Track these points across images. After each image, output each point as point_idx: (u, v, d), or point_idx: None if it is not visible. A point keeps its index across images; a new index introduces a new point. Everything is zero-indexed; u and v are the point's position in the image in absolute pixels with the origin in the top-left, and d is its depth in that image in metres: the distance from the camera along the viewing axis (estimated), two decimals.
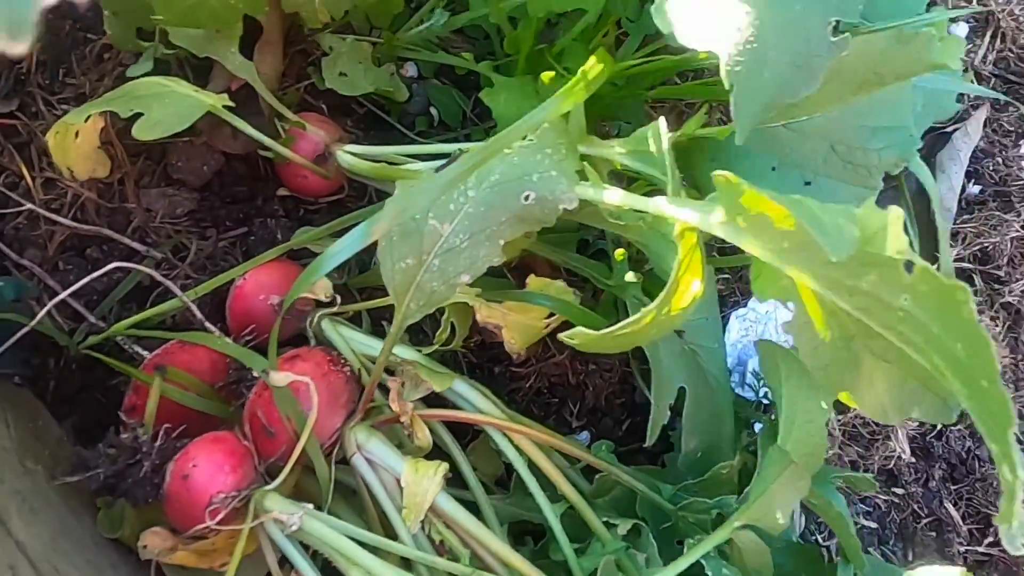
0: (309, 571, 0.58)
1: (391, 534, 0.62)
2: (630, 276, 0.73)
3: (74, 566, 0.52)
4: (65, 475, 0.55)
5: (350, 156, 0.73)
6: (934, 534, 1.00)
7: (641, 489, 0.71)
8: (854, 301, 0.49)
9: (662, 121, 0.57)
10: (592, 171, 0.59)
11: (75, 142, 0.69)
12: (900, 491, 1.01)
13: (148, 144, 0.75)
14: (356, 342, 0.70)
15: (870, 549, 1.00)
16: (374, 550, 0.60)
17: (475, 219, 0.58)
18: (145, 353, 0.68)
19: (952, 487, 1.02)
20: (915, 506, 1.01)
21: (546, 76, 0.69)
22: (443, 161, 0.63)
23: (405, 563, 0.61)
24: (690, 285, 0.60)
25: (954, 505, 1.01)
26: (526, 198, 0.58)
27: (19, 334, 0.61)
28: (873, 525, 1.00)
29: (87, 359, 0.69)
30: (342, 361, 0.64)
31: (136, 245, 0.71)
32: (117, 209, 0.72)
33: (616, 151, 0.63)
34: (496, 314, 0.68)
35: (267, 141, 0.69)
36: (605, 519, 0.70)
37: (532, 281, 0.68)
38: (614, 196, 0.57)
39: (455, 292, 0.59)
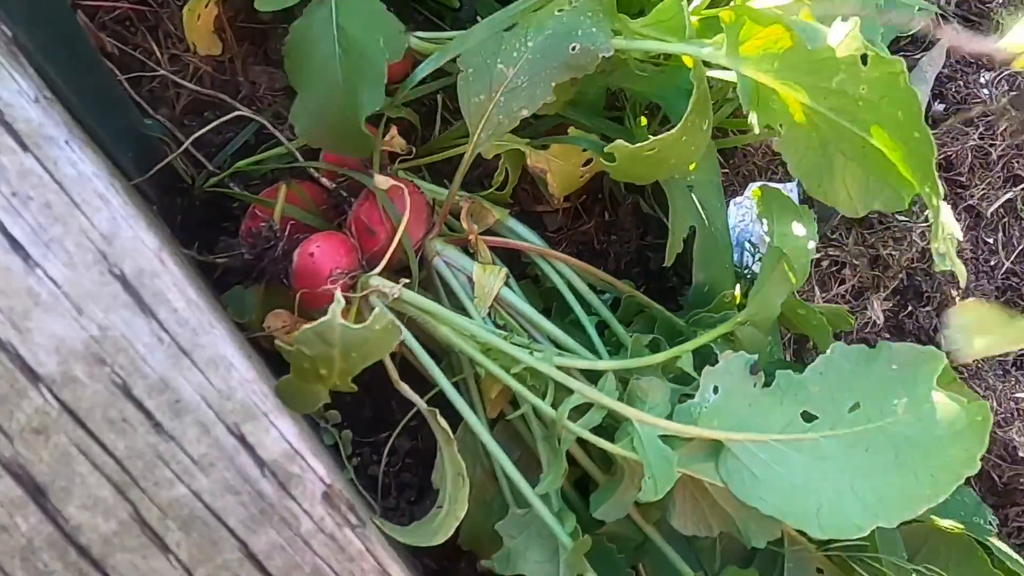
0: (408, 334, 0.73)
1: None
2: None
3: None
4: (214, 255, 0.71)
5: (417, 39, 0.89)
6: None
7: (659, 309, 0.87)
8: (828, 102, 0.65)
9: None
10: (626, 28, 0.75)
11: (197, 22, 0.85)
12: None
13: (252, 30, 0.91)
14: (426, 187, 0.85)
15: None
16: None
17: (533, 64, 0.73)
18: (253, 196, 0.84)
19: None
20: None
21: None
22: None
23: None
24: (702, 124, 0.76)
25: None
26: (572, 48, 0.73)
27: (165, 161, 0.76)
28: None
29: (207, 199, 0.84)
30: (422, 191, 0.80)
31: (244, 109, 0.86)
32: (229, 81, 0.88)
33: (639, 23, 0.79)
34: (542, 160, 0.83)
35: None
36: (630, 333, 0.86)
37: (573, 130, 0.84)
38: (643, 44, 0.73)
39: (516, 123, 0.74)
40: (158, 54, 0.86)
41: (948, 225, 0.63)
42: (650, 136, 0.89)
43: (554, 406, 0.69)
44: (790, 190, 1.17)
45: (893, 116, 0.60)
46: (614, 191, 1.03)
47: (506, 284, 0.77)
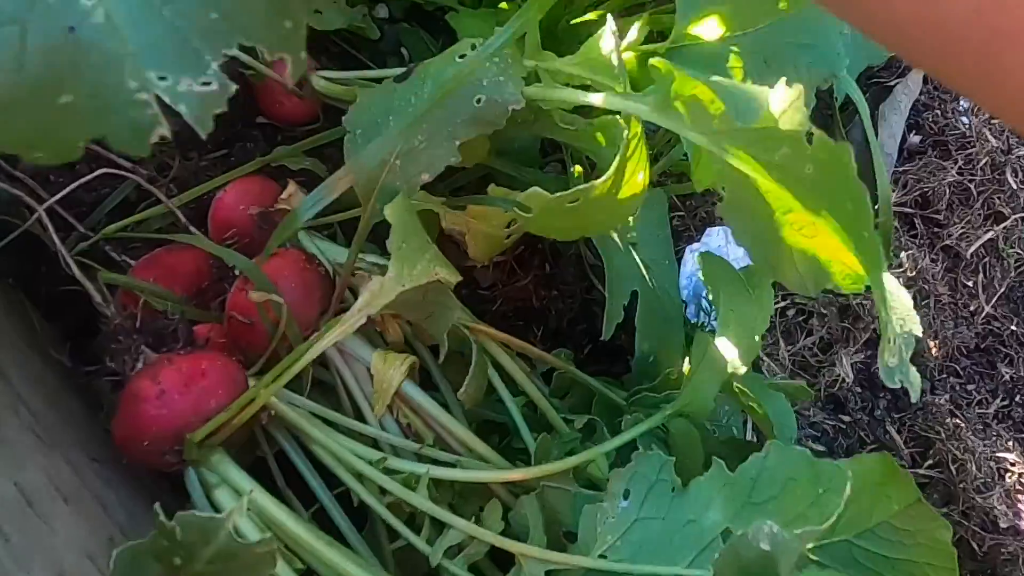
0: (293, 454, 0.64)
1: (362, 420, 0.68)
2: None
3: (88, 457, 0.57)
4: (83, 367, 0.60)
5: (323, 80, 0.79)
6: None
7: (596, 387, 0.77)
8: (774, 173, 0.55)
9: (610, 21, 0.63)
10: (545, 74, 0.64)
11: None
12: (847, 418, 1.07)
13: None
14: (330, 252, 0.75)
15: None
16: (345, 432, 0.65)
17: (431, 120, 0.63)
18: (132, 261, 0.73)
19: (895, 415, 1.09)
20: (861, 432, 1.08)
21: (505, 4, 0.75)
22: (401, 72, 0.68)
23: (375, 445, 0.67)
24: (636, 174, 0.66)
25: (897, 431, 1.07)
26: (478, 101, 0.63)
27: (15, 234, 0.65)
28: (821, 448, 1.06)
29: (77, 266, 0.73)
30: (316, 261, 0.69)
31: (122, 161, 0.75)
32: None
33: (566, 61, 0.69)
34: (460, 221, 0.73)
35: (248, 60, 0.74)
36: (563, 416, 0.76)
37: (493, 189, 0.73)
38: (562, 93, 0.63)
39: (416, 189, 0.64)
40: None
41: (905, 319, 0.53)
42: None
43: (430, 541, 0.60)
44: None
45: (843, 208, 0.50)
46: (555, 241, 0.93)
47: (413, 371, 0.67)
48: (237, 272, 0.68)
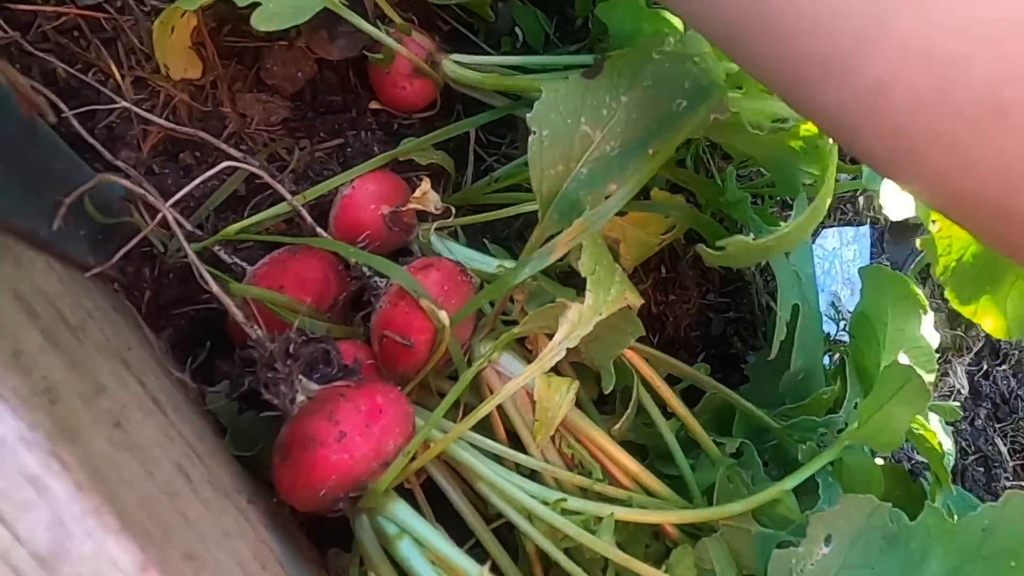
0: (451, 491, 0.58)
1: (517, 448, 0.61)
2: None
3: (218, 465, 0.50)
4: (208, 385, 0.53)
5: (457, 65, 0.71)
6: (982, 470, 1.03)
7: (749, 408, 0.71)
8: None
9: None
10: (747, 81, 0.57)
11: (171, 38, 0.65)
12: (949, 427, 1.03)
13: (240, 47, 0.71)
14: (467, 257, 0.68)
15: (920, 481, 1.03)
16: (496, 459, 0.59)
17: (627, 126, 0.56)
18: (245, 265, 0.65)
19: (997, 425, 1.05)
20: (963, 443, 1.04)
21: None
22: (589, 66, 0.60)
23: (533, 476, 0.60)
24: (825, 203, 0.60)
25: (1002, 441, 1.03)
26: (678, 106, 0.56)
27: (137, 239, 0.57)
28: (923, 460, 1.02)
29: (183, 269, 0.65)
30: (469, 273, 0.62)
31: (232, 151, 0.67)
32: (211, 113, 0.68)
33: None
34: (616, 227, 0.66)
35: (382, 37, 0.66)
36: (712, 438, 0.70)
37: (656, 193, 0.67)
38: (775, 106, 0.56)
39: (600, 201, 0.57)
40: (117, 77, 0.65)
41: None
42: (738, 186, 0.74)
43: None
44: (864, 234, 1.02)
45: None
46: (674, 243, 0.87)
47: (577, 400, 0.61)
48: (380, 282, 0.61)
